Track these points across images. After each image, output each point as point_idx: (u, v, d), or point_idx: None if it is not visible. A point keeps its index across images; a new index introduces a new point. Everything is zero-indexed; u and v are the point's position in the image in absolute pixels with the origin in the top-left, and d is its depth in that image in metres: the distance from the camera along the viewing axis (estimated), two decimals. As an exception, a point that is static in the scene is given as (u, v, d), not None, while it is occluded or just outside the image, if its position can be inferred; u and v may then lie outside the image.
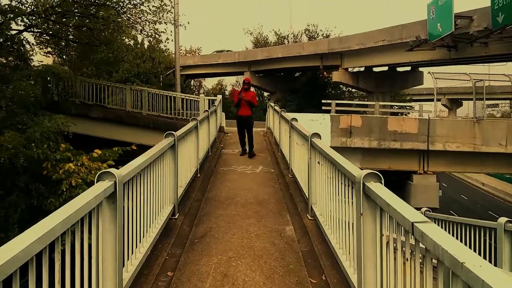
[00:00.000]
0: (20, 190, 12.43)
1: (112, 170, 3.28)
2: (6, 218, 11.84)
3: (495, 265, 7.05)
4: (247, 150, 11.63)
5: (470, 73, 22.06)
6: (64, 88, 19.59)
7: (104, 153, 13.22)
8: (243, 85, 11.79)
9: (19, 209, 12.11)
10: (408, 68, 33.65)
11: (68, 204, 2.62)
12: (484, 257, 7.64)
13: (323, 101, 22.51)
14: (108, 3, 16.11)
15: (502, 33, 20.20)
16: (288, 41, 49.85)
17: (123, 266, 3.47)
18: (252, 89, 11.74)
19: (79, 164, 12.61)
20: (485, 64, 30.71)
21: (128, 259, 3.73)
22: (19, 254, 1.92)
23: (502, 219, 7.27)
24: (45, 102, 16.85)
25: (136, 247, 4.02)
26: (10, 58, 16.95)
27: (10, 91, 13.76)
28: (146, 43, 28.33)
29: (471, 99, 21.77)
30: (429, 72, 23.71)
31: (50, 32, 17.54)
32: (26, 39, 17.32)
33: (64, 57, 21.66)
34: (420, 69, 33.68)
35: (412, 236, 2.35)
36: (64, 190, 11.98)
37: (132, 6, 16.77)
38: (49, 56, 21.15)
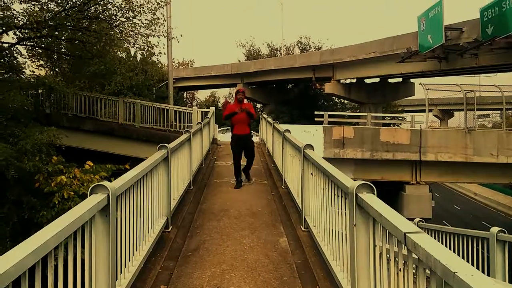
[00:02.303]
0: (12, 203, 12.33)
1: (105, 183, 3.27)
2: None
3: (488, 275, 7.06)
4: (242, 180, 9.21)
5: (461, 84, 22.30)
6: (56, 101, 19.54)
7: (97, 169, 13.17)
8: (237, 95, 9.35)
9: (10, 222, 12.00)
10: (400, 80, 33.93)
11: (62, 218, 2.61)
12: (477, 267, 7.67)
13: (315, 112, 22.64)
14: (100, 16, 16.15)
15: (491, 45, 20.48)
16: (280, 53, 50.12)
17: (116, 279, 3.46)
18: (245, 101, 9.94)
19: (71, 177, 12.55)
20: (475, 75, 31.06)
21: (121, 273, 3.71)
22: (11, 269, 1.91)
23: (494, 229, 7.30)
24: (37, 114, 16.79)
25: (129, 260, 4.00)
26: (2, 71, 16.90)
27: None
28: (139, 56, 28.39)
29: (463, 110, 21.99)
30: (420, 83, 23.94)
31: (43, 45, 17.53)
32: (19, 51, 17.31)
33: (56, 70, 21.64)
34: (411, 80, 33.98)
35: (405, 246, 2.37)
36: (56, 202, 11.91)
37: (124, 19, 16.81)
38: (41, 69, 21.12)
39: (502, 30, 19.08)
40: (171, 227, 5.91)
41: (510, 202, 44.51)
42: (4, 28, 14.84)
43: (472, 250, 8.38)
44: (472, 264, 7.54)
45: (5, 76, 16.66)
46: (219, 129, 20.83)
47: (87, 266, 3.00)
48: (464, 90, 21.80)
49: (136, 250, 4.26)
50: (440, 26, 21.80)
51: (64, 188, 12.15)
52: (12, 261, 1.95)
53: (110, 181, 3.55)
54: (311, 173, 5.54)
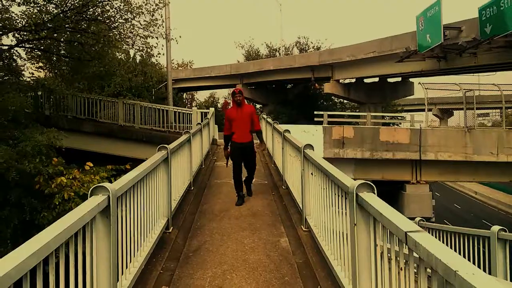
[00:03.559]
0: (12, 205, 12.34)
1: (106, 184, 3.27)
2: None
3: (489, 273, 7.07)
4: (244, 195, 7.91)
5: (460, 83, 22.29)
6: (56, 102, 19.56)
7: (97, 170, 13.19)
8: (233, 97, 7.80)
9: (11, 224, 12.01)
10: (399, 79, 33.92)
11: (62, 219, 2.61)
12: (478, 266, 7.67)
13: (315, 112, 22.64)
14: (99, 18, 16.16)
15: (490, 43, 20.47)
16: (279, 54, 50.08)
17: (117, 280, 3.45)
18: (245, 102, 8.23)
19: (71, 178, 12.56)
20: (474, 74, 31.03)
21: (122, 274, 3.71)
22: (12, 271, 1.91)
23: (495, 228, 7.30)
24: (37, 116, 16.79)
25: (130, 261, 3.99)
26: (1, 74, 16.89)
27: None
28: (138, 57, 28.40)
29: (462, 109, 21.99)
30: (419, 83, 23.93)
31: (42, 47, 17.53)
32: (18, 53, 17.32)
33: (56, 71, 21.64)
34: (411, 79, 33.96)
35: (406, 245, 2.37)
36: (57, 203, 11.93)
37: (123, 21, 16.82)
38: (40, 71, 21.13)
39: (500, 29, 19.07)
40: (172, 228, 5.91)
41: (510, 200, 44.51)
42: (3, 30, 14.84)
43: (473, 249, 8.38)
44: (473, 263, 7.55)
45: (4, 78, 16.65)
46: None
47: (88, 267, 3.00)
48: (463, 89, 21.81)
49: (137, 251, 4.26)
50: (439, 26, 21.78)
51: (64, 189, 12.16)
52: (13, 262, 1.95)
53: (111, 182, 3.54)
54: (311, 173, 5.54)
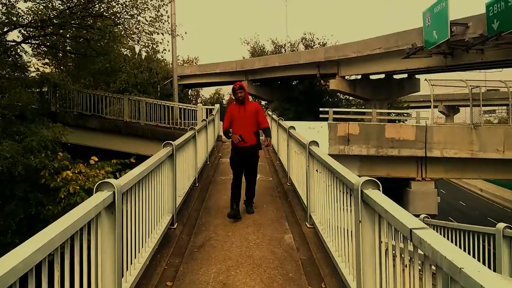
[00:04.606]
0: (19, 199, 12.45)
1: (111, 180, 3.28)
2: (5, 227, 11.86)
3: (494, 271, 7.04)
4: (245, 203, 6.89)
5: (466, 80, 22.15)
6: (62, 98, 19.63)
7: (102, 165, 13.23)
8: (234, 94, 6.82)
9: (17, 218, 12.11)
10: (405, 76, 33.74)
11: (67, 215, 2.62)
12: (483, 263, 7.64)
13: (320, 109, 22.58)
14: (105, 13, 16.18)
15: (498, 40, 20.32)
16: (285, 50, 49.98)
17: (122, 276, 3.47)
18: (250, 98, 7.85)
19: (76, 172, 12.61)
20: (481, 71, 30.82)
21: (127, 270, 3.72)
22: (19, 265, 1.91)
23: (501, 225, 7.27)
24: (43, 112, 16.87)
25: (135, 257, 4.01)
26: (7, 69, 16.96)
27: (5, 99, 13.77)
28: (144, 54, 28.43)
29: (468, 106, 21.86)
30: (425, 79, 23.78)
31: (48, 44, 17.58)
32: (24, 49, 17.39)
33: (62, 68, 21.72)
34: (417, 76, 33.76)
35: (411, 242, 2.36)
36: (62, 197, 11.98)
37: (129, 17, 16.84)
38: (46, 67, 21.21)
39: (508, 25, 18.91)
40: (176, 224, 5.92)
41: (516, 198, 44.31)
42: (9, 26, 14.89)
43: (478, 246, 8.35)
44: (478, 260, 7.51)
45: (11, 74, 16.73)
46: None
47: (93, 263, 3.01)
48: (470, 85, 21.67)
49: (142, 247, 4.27)
50: (446, 22, 21.64)
51: (70, 183, 12.22)
52: (19, 257, 1.95)
53: (116, 176, 3.55)
54: (316, 170, 5.53)
